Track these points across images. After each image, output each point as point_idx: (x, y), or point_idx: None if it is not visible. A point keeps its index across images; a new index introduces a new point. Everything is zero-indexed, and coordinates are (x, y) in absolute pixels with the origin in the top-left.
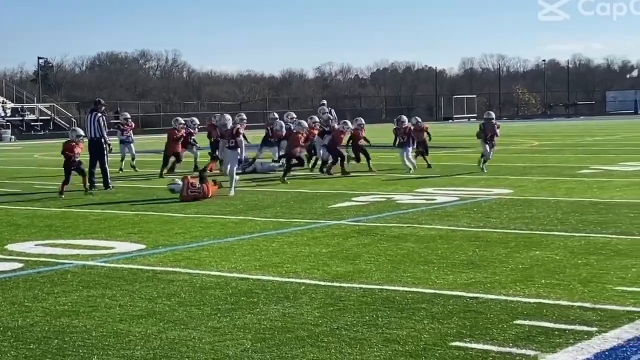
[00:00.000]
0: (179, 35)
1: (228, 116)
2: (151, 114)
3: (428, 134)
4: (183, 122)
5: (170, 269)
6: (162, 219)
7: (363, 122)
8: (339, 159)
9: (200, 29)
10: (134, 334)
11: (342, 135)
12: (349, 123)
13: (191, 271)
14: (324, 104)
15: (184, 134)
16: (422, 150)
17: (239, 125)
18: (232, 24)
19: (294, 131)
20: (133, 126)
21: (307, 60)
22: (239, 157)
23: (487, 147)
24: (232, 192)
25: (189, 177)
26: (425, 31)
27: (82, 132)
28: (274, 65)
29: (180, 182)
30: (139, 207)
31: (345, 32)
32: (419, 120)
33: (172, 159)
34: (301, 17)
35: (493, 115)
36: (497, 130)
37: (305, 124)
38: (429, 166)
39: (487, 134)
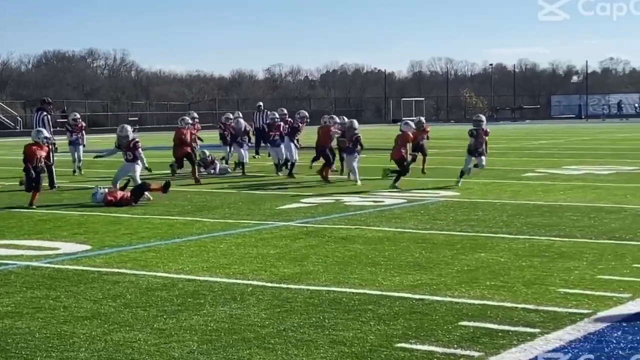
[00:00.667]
0: (128, 34)
1: (128, 127)
2: (99, 113)
3: (427, 137)
4: (191, 121)
5: (116, 270)
6: (108, 219)
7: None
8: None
9: (149, 28)
10: (79, 335)
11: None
12: (336, 118)
13: (137, 272)
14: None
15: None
16: (419, 153)
17: (137, 139)
18: (181, 24)
19: (326, 124)
20: (83, 127)
21: (257, 61)
22: (138, 167)
23: (471, 159)
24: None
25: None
26: (375, 34)
27: (47, 134)
28: (224, 65)
29: (103, 189)
30: (85, 207)
31: (295, 34)
32: (423, 120)
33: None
34: (251, 17)
35: (484, 119)
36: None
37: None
38: (423, 172)
39: (478, 146)
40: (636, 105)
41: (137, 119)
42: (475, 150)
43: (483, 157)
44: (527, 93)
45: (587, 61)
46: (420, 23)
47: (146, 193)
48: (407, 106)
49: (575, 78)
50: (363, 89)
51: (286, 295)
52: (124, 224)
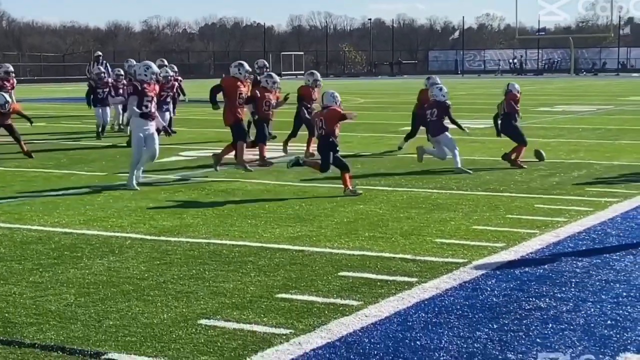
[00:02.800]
0: None
1: None
2: None
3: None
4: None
5: None
6: None
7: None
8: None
9: None
10: None
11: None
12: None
13: (11, 226)
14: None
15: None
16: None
17: None
18: None
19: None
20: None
21: (134, 13)
22: None
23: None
24: None
25: None
26: None
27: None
28: (99, 17)
29: None
30: None
31: None
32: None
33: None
34: None
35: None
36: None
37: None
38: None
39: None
40: (510, 61)
41: None
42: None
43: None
44: (406, 48)
45: (463, 17)
46: None
47: None
48: (287, 60)
49: (455, 34)
50: (242, 43)
51: (165, 248)
52: None
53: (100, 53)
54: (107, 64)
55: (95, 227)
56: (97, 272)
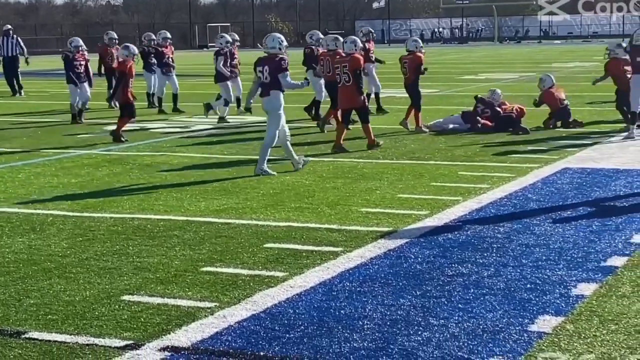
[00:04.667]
0: None
1: None
2: None
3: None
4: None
5: None
6: None
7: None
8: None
9: None
10: None
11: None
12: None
13: None
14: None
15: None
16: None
17: None
18: None
19: None
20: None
21: None
22: None
23: None
24: None
25: None
26: None
27: None
28: None
29: None
30: None
31: None
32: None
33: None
34: None
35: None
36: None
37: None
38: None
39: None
40: (436, 29)
41: None
42: None
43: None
44: (332, 18)
45: None
46: None
47: None
48: (213, 32)
49: (376, 4)
50: (167, 15)
51: (88, 224)
52: None
53: (10, 26)
54: (19, 38)
55: (16, 204)
56: (17, 250)
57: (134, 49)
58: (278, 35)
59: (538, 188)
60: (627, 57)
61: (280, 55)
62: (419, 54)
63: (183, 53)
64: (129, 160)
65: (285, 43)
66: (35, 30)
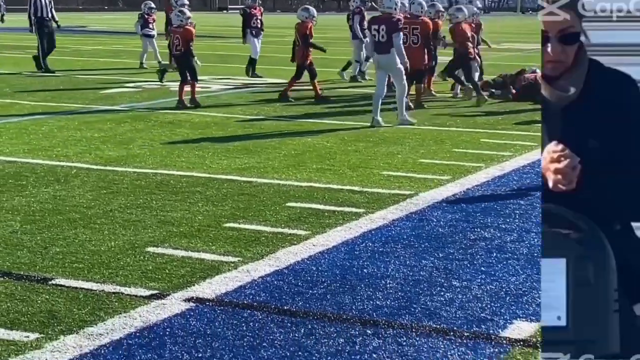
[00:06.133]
0: None
1: None
2: None
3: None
4: None
5: None
6: None
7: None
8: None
9: None
10: None
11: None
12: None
13: None
14: None
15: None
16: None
17: None
18: None
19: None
20: None
21: None
22: None
23: None
24: None
25: None
26: None
27: None
28: None
29: None
30: None
31: None
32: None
33: None
34: None
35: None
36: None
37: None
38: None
39: None
40: None
41: None
42: None
43: None
44: None
45: None
46: None
47: None
48: None
49: None
50: None
51: (112, 178)
52: None
53: None
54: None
55: (40, 156)
56: (42, 200)
57: (314, 11)
58: None
59: None
60: None
61: (397, 16)
62: (426, 19)
63: (202, 15)
64: (150, 118)
65: (400, 4)
66: None
